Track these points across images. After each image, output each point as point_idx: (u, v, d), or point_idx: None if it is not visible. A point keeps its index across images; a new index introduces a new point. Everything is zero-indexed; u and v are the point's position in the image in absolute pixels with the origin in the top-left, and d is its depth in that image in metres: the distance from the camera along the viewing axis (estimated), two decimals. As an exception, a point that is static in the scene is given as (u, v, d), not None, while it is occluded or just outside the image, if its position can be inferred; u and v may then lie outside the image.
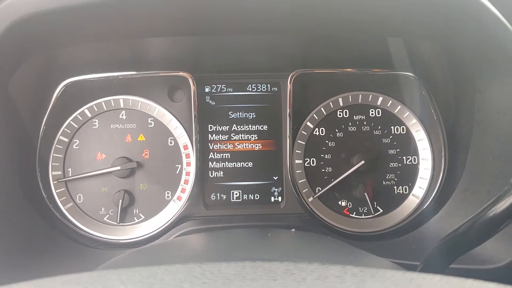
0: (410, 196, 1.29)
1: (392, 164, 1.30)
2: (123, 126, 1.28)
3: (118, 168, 1.24)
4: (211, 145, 1.31)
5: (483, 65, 1.05)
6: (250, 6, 0.91)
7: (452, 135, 1.26)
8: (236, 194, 1.30)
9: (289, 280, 0.47)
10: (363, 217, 1.29)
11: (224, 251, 0.75)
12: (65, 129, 1.25)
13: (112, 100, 1.27)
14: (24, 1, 0.87)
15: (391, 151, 1.30)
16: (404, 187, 1.30)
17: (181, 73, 1.25)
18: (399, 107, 1.30)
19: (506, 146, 1.03)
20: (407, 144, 1.30)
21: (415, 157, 1.30)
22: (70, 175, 1.25)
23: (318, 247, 0.83)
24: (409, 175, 1.30)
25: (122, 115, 1.28)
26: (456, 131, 1.24)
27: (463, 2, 0.87)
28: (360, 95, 1.31)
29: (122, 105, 1.28)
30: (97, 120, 1.27)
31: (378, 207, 1.29)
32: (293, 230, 1.03)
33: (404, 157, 1.30)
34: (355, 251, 0.84)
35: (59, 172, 1.24)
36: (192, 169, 1.26)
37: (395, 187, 1.30)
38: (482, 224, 0.81)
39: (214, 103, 1.31)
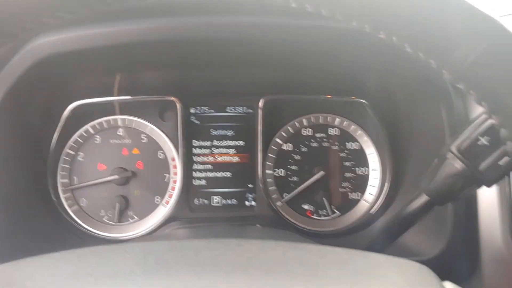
0: (362, 200, 1.52)
1: (347, 174, 1.53)
2: (120, 141, 1.49)
3: (116, 177, 1.45)
4: (195, 157, 1.52)
5: (414, 93, 1.31)
6: (228, 49, 1.16)
7: (396, 150, 1.50)
8: (216, 199, 1.52)
9: (239, 250, 0.70)
10: (322, 218, 1.52)
11: (199, 237, 0.98)
12: (71, 144, 1.45)
13: (111, 120, 1.48)
14: (46, 44, 1.10)
15: (346, 163, 1.53)
16: (357, 193, 1.53)
17: (170, 98, 1.46)
18: (353, 126, 1.54)
19: (433, 159, 1.27)
20: (359, 157, 1.53)
21: (366, 168, 1.53)
22: (76, 183, 1.46)
23: (271, 235, 1.06)
24: (361, 183, 1.53)
25: (120, 132, 1.49)
26: (399, 146, 1.48)
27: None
28: (321, 117, 1.54)
29: (120, 124, 1.49)
30: (98, 136, 1.48)
31: (335, 210, 1.52)
32: (258, 225, 1.26)
33: (357, 168, 1.53)
34: (302, 240, 1.07)
35: (66, 180, 1.45)
36: (178, 178, 1.47)
37: (349, 193, 1.53)
38: (399, 220, 1.05)
39: (198, 122, 1.53)
